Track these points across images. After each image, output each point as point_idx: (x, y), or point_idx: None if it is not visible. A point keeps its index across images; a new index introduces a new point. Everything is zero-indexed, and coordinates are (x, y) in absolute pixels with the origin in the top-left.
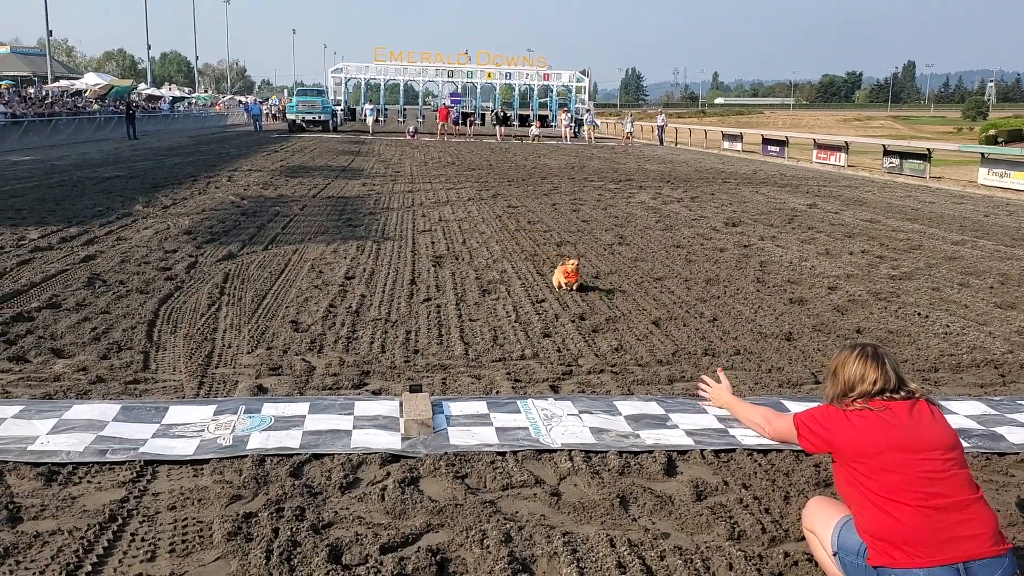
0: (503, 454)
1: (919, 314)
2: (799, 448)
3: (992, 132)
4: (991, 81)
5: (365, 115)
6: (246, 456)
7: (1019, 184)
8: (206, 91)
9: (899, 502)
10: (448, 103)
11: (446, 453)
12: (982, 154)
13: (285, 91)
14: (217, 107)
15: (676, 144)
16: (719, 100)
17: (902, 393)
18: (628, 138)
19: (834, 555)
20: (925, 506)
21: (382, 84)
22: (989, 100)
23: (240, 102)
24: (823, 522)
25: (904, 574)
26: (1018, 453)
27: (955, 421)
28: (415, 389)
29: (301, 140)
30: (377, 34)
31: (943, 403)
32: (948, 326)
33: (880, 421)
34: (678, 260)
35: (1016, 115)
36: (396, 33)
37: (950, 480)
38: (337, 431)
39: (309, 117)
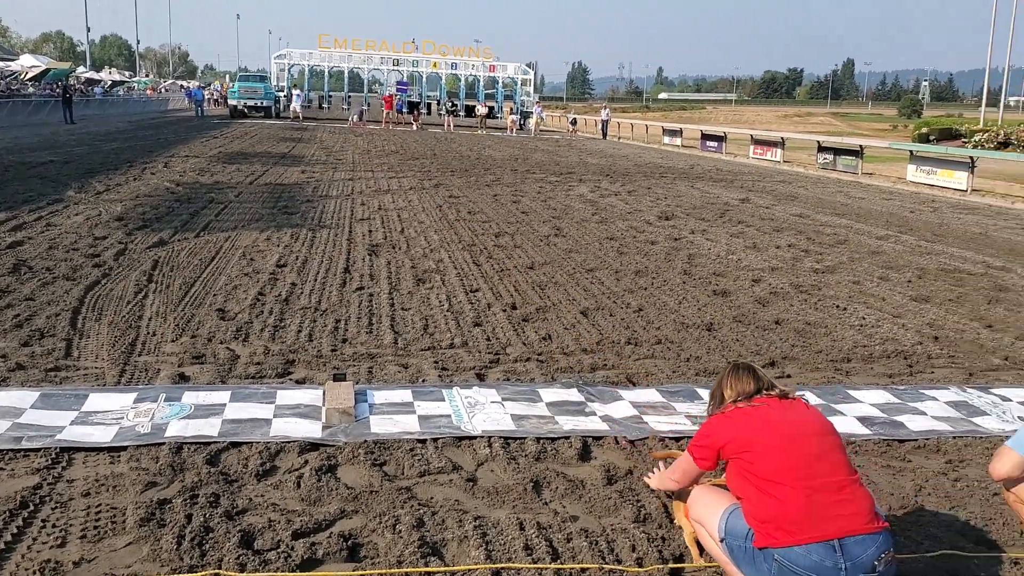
0: (424, 441)
1: (838, 306)
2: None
3: (925, 130)
4: (925, 81)
5: (291, 100)
6: (164, 444)
7: (945, 181)
8: (147, 75)
9: (782, 483)
10: (393, 91)
11: (366, 441)
12: (911, 151)
13: (227, 76)
14: (149, 91)
15: (619, 138)
16: (663, 95)
17: (776, 391)
18: (572, 132)
19: (721, 541)
20: (805, 486)
21: (326, 71)
22: (923, 99)
23: (182, 87)
24: (709, 510)
25: (786, 552)
26: (916, 440)
27: (861, 410)
28: (339, 378)
29: (242, 126)
30: (323, 21)
31: (851, 392)
32: (864, 318)
33: (759, 412)
34: (611, 252)
35: (948, 114)
36: (343, 20)
37: (828, 461)
38: (257, 420)
39: (251, 103)
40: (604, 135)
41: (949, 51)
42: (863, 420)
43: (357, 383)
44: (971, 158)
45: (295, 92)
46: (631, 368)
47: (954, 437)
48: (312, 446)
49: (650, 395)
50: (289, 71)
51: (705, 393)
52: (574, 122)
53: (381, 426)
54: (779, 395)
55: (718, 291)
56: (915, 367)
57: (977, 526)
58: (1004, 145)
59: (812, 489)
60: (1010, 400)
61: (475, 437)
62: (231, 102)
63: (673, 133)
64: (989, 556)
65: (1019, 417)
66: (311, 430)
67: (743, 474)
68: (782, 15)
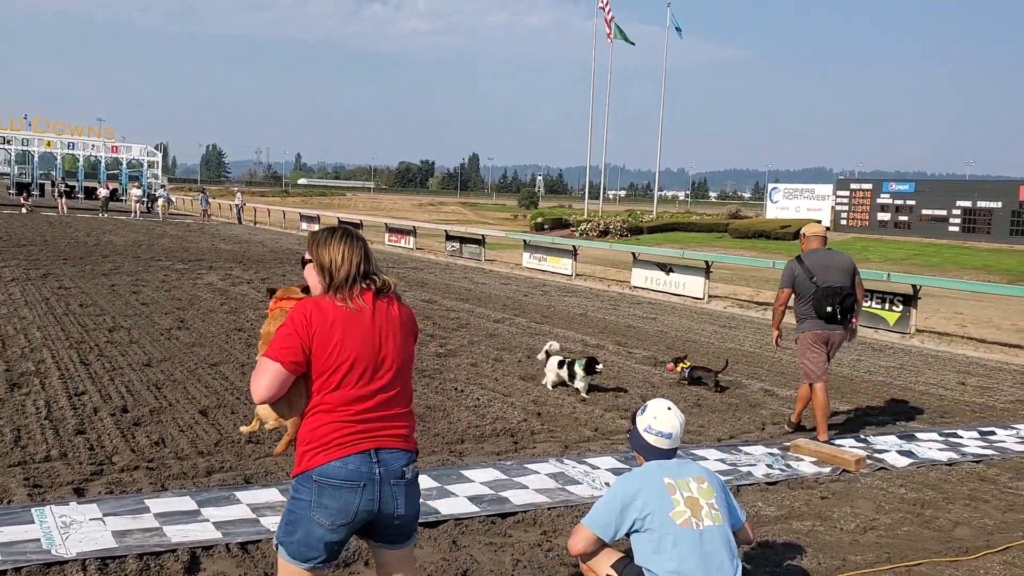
0: (3, 572)
1: (456, 389)
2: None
3: (540, 220)
4: (540, 175)
5: None
6: None
7: (553, 267)
8: None
9: (343, 410)
10: None
11: None
12: (524, 240)
13: None
14: None
15: (255, 223)
16: (302, 180)
17: (379, 281)
18: (206, 216)
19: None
20: (366, 416)
21: None
22: (539, 191)
23: None
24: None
25: (322, 469)
26: (516, 513)
27: (471, 489)
28: None
29: None
30: None
31: (464, 472)
32: (479, 399)
33: (356, 317)
34: (238, 344)
35: (560, 205)
36: None
37: (393, 391)
38: None
39: None
40: (239, 220)
41: (558, 150)
42: (473, 499)
43: None
44: (574, 247)
45: None
46: (250, 468)
47: (549, 508)
48: None
49: (269, 495)
50: None
51: None
52: (206, 200)
53: None
54: (380, 288)
55: None
56: (520, 443)
57: None
58: (604, 233)
59: (368, 419)
60: (599, 468)
61: (67, 561)
62: None
63: (311, 219)
64: None
65: (606, 483)
66: None
67: (313, 379)
68: (414, 111)
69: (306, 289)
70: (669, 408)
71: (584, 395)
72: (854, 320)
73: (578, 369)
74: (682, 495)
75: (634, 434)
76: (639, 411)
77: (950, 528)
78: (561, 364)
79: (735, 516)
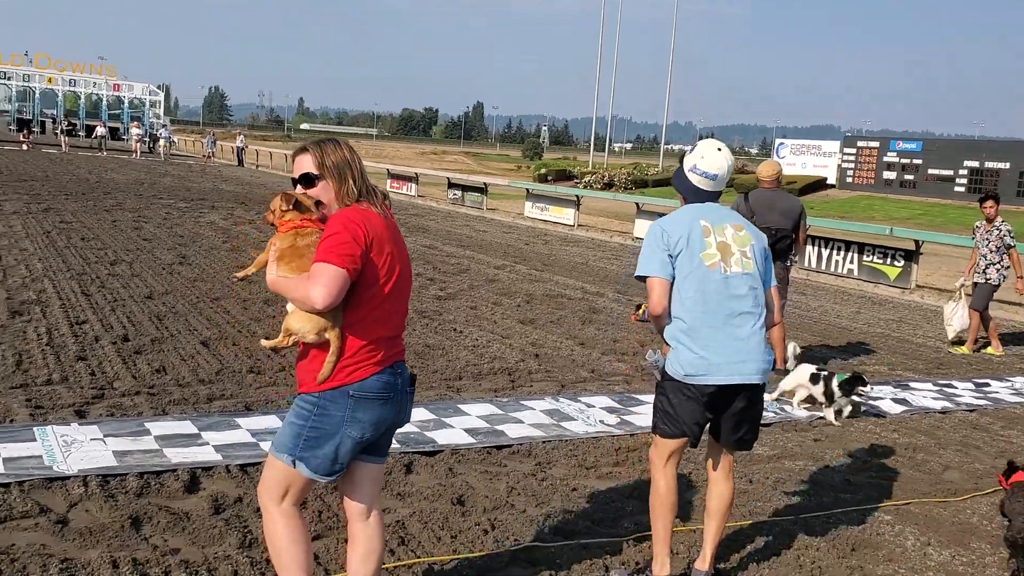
0: (7, 485)
1: (455, 330)
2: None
3: (544, 171)
4: (545, 126)
5: None
6: None
7: (555, 217)
8: None
9: (387, 313)
10: None
11: None
12: (527, 190)
13: None
14: None
15: (257, 166)
16: (305, 125)
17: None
18: (209, 157)
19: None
20: (398, 323)
21: None
22: (544, 142)
23: None
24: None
25: (361, 384)
26: (511, 445)
27: (468, 422)
28: None
29: None
30: None
31: (461, 406)
32: (477, 340)
33: (393, 227)
34: (240, 282)
35: (564, 157)
36: None
37: (407, 301)
38: None
39: None
40: (240, 162)
41: (564, 101)
42: (470, 431)
43: None
44: (577, 197)
45: None
46: (251, 397)
47: (544, 441)
48: None
49: (270, 421)
50: None
51: None
52: (213, 143)
53: None
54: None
55: None
56: (517, 381)
57: (557, 519)
58: (609, 185)
59: (397, 335)
60: (594, 406)
61: (69, 477)
62: None
63: None
64: (565, 544)
65: (600, 420)
66: None
67: (367, 299)
68: (418, 57)
69: (318, 205)
70: (719, 149)
71: (836, 423)
72: (788, 265)
73: (835, 387)
74: (715, 239)
75: (678, 174)
76: (688, 150)
77: (940, 471)
78: (815, 379)
79: (768, 274)
